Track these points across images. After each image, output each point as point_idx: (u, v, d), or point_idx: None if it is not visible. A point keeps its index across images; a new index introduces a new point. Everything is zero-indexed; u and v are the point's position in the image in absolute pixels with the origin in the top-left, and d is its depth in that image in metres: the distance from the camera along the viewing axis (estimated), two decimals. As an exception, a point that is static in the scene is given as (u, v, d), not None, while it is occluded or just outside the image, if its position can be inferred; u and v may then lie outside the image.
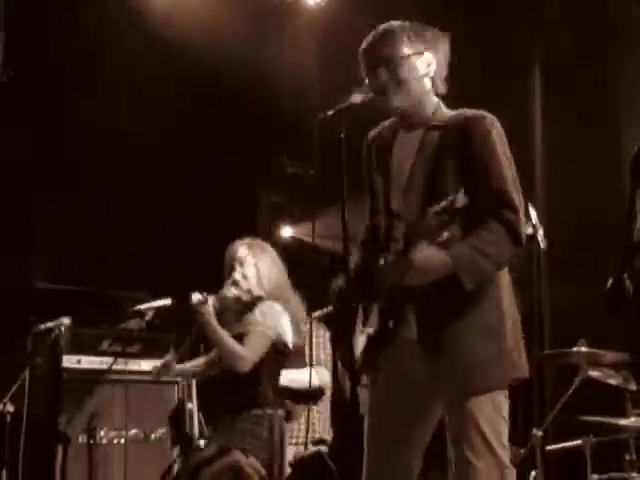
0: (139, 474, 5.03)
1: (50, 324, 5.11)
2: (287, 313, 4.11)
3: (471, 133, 2.66)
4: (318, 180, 3.24)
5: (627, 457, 4.37)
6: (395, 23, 2.84)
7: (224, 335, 3.97)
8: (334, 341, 4.96)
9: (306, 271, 5.86)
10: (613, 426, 4.27)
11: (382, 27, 2.85)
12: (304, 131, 6.38)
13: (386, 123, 2.94)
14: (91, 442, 4.91)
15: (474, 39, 5.58)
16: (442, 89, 2.86)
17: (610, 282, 2.17)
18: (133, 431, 5.13)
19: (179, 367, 4.40)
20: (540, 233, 4.24)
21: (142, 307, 4.53)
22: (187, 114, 6.27)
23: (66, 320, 5.15)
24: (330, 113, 2.92)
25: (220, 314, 4.06)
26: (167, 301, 4.75)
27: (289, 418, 3.44)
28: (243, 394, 3.99)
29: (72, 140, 6.09)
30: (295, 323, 4.15)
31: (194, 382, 5.48)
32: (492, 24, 5.78)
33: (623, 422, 4.26)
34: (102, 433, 4.98)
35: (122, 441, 5.07)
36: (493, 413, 2.61)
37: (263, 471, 3.87)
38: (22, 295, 5.80)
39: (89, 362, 5.18)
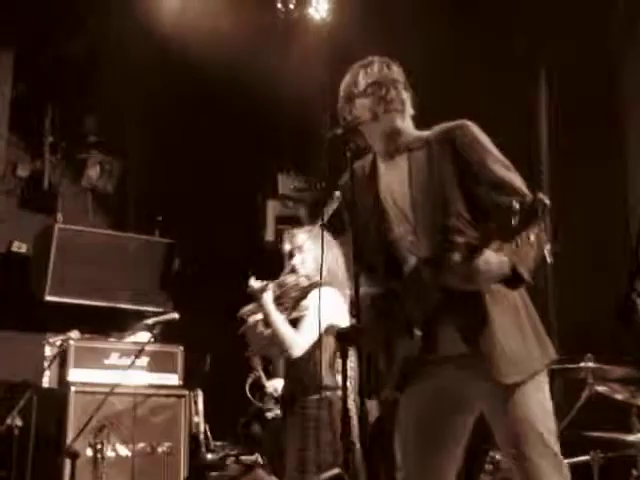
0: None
1: (59, 337, 5.13)
2: (343, 298, 4.11)
3: (457, 141, 2.73)
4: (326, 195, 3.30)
5: (634, 473, 4.36)
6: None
7: (280, 321, 4.02)
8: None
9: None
10: (620, 442, 4.26)
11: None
12: (309, 145, 6.49)
13: (355, 165, 2.94)
14: (98, 456, 4.92)
15: (477, 49, 5.62)
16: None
17: (620, 298, 2.19)
18: (140, 445, 5.13)
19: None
20: (547, 248, 4.25)
21: (150, 321, 4.57)
22: (191, 125, 6.31)
23: (74, 334, 5.18)
24: (339, 131, 2.97)
25: (279, 299, 4.10)
26: (174, 315, 4.78)
27: None
28: (303, 379, 4.04)
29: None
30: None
31: (200, 396, 5.52)
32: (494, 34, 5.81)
33: (630, 438, 4.26)
34: (109, 447, 4.98)
35: (129, 454, 5.08)
36: (542, 398, 2.74)
37: None
38: (32, 308, 5.83)
39: (97, 375, 5.21)
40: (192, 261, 6.39)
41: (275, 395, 4.58)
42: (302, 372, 4.03)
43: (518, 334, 2.72)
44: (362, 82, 2.92)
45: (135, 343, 5.28)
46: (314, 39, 6.07)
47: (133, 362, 4.82)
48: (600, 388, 4.27)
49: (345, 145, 2.98)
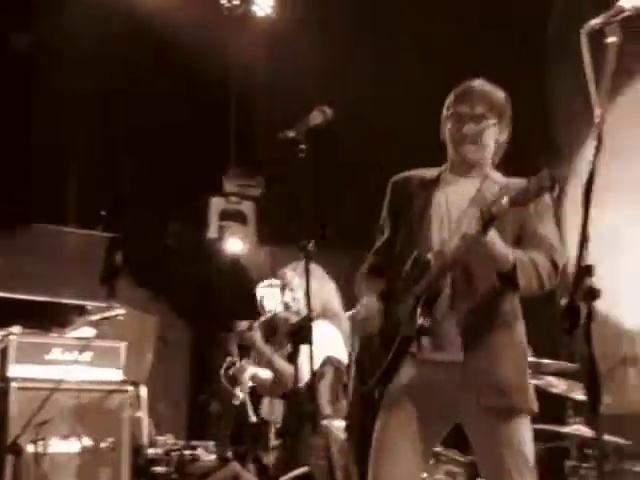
0: (90, 483, 5.03)
1: (-1, 333, 5.08)
2: (338, 330, 4.21)
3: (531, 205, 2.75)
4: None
5: (568, 463, 4.53)
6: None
7: (273, 356, 4.20)
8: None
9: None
10: (556, 434, 4.42)
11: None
12: (255, 142, 6.52)
13: (422, 172, 3.07)
14: (40, 452, 4.88)
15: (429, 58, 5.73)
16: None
17: (564, 301, 2.29)
18: (83, 440, 5.11)
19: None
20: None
21: (96, 317, 4.56)
22: (137, 120, 6.29)
23: (16, 329, 5.13)
24: (291, 134, 3.03)
25: (272, 335, 4.19)
26: (121, 310, 4.79)
27: None
28: (303, 409, 4.11)
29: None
30: (346, 338, 4.27)
31: (144, 391, 5.53)
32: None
33: (565, 430, 4.42)
34: (52, 443, 4.95)
35: (72, 450, 5.06)
36: (526, 433, 2.82)
37: None
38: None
39: (38, 371, 5.16)
40: (136, 256, 6.37)
41: (251, 383, 4.62)
42: (301, 402, 4.11)
43: (516, 366, 2.84)
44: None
45: (78, 338, 5.25)
46: (258, 36, 6.09)
47: (76, 357, 4.80)
48: (536, 382, 4.42)
49: (296, 146, 3.07)
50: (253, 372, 4.65)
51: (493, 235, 2.69)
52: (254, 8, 5.95)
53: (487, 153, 2.99)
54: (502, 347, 2.83)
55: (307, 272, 3.22)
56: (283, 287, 4.37)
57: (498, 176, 3.00)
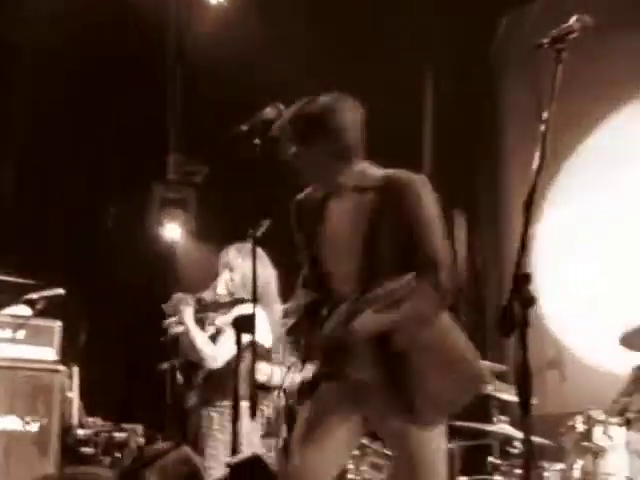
0: (17, 463, 5.00)
1: None
2: (268, 316, 4.30)
3: (404, 199, 2.82)
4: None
5: (491, 460, 4.70)
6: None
7: (197, 334, 4.28)
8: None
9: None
10: (481, 431, 4.58)
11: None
12: (197, 129, 6.52)
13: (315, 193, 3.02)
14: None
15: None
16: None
17: (502, 306, 2.40)
18: (12, 419, 5.09)
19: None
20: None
21: (34, 296, 4.54)
22: (81, 104, 6.25)
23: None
24: (244, 128, 3.10)
25: (202, 312, 4.29)
26: (59, 291, 4.78)
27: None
28: (218, 386, 4.27)
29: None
30: (273, 325, 4.36)
31: (76, 372, 5.52)
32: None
33: (490, 428, 4.58)
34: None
35: (1, 428, 5.03)
36: (440, 442, 2.88)
37: (205, 464, 4.14)
38: None
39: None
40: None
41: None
42: (217, 381, 4.19)
43: (437, 375, 2.83)
44: None
45: (13, 316, 5.21)
46: (209, 23, 6.10)
47: (10, 335, 4.78)
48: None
49: (249, 141, 3.15)
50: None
51: (359, 321, 2.78)
52: (207, -5, 5.96)
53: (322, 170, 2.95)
54: (411, 360, 2.84)
55: (254, 257, 3.31)
56: (224, 265, 4.42)
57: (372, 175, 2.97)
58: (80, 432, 5.37)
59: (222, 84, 6.01)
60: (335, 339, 2.85)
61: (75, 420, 5.34)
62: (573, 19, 2.47)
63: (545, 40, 2.46)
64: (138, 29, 6.07)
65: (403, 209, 2.82)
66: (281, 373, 4.83)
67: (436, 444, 2.87)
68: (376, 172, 2.93)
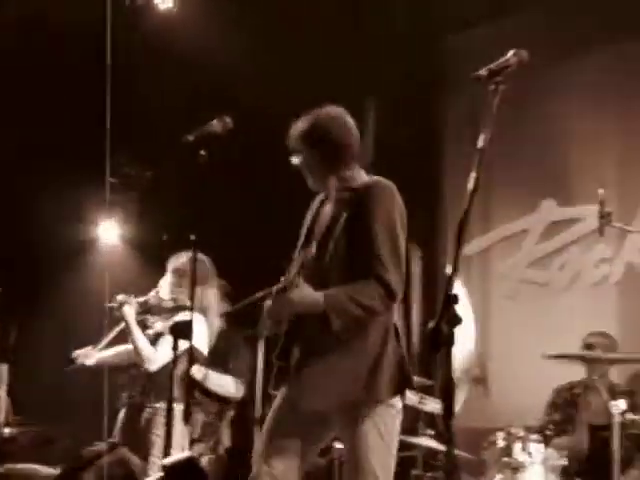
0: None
1: None
2: (205, 323, 4.42)
3: (370, 201, 3.05)
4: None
5: (414, 472, 4.83)
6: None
7: (138, 335, 4.34)
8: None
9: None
10: (407, 443, 4.69)
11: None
12: (142, 133, 6.53)
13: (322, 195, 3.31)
14: None
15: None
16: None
17: (431, 325, 2.51)
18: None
19: (100, 355, 4.58)
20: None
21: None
22: (20, 104, 6.21)
23: None
24: (191, 138, 3.21)
25: (144, 315, 4.39)
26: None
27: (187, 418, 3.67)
28: (153, 388, 4.34)
29: None
30: (211, 332, 4.51)
31: (5, 370, 5.48)
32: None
33: (415, 440, 4.71)
34: None
35: None
36: (381, 432, 3.00)
37: (142, 466, 4.19)
38: None
39: None
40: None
41: None
42: (153, 383, 4.24)
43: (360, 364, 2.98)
44: None
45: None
46: (159, 28, 6.13)
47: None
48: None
49: (195, 150, 3.25)
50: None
51: (297, 292, 2.97)
52: (156, 1, 5.99)
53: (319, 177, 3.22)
54: (337, 357, 3.00)
55: (194, 263, 3.42)
56: (175, 271, 4.52)
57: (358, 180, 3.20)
58: (6, 430, 5.35)
59: (167, 89, 6.08)
60: (275, 312, 3.04)
61: (2, 418, 5.31)
62: (510, 54, 2.56)
63: (483, 72, 2.54)
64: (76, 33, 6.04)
65: (368, 209, 3.03)
66: (235, 384, 4.96)
67: (372, 440, 2.97)
68: (363, 177, 3.19)
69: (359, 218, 3.04)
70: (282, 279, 3.14)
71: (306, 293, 2.98)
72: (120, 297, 4.38)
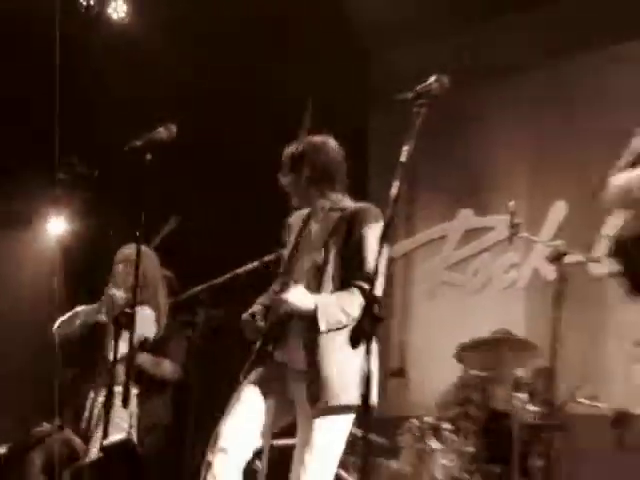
0: None
1: None
2: (153, 311, 4.65)
3: (357, 225, 3.47)
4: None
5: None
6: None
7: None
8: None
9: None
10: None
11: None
12: (92, 133, 6.66)
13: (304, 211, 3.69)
14: None
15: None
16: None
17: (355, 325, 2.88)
18: None
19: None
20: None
21: None
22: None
23: None
24: (138, 143, 3.48)
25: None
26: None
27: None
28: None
29: None
30: (158, 320, 4.69)
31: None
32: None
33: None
34: None
35: None
36: (338, 436, 3.44)
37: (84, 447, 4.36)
38: None
39: None
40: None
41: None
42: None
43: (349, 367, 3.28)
44: None
45: None
46: (111, 35, 6.32)
47: None
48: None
49: (141, 155, 3.49)
50: None
51: (292, 295, 3.34)
52: (109, 10, 6.20)
53: (306, 198, 3.64)
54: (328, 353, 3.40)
55: (138, 257, 3.59)
56: (122, 260, 4.69)
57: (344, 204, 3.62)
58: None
59: (118, 95, 6.28)
60: (275, 312, 3.42)
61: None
62: (432, 79, 2.80)
63: (409, 95, 2.81)
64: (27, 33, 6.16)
65: (355, 231, 3.45)
66: (172, 367, 5.22)
67: (335, 435, 3.42)
68: (349, 202, 3.61)
69: (351, 237, 3.44)
70: (275, 282, 3.58)
71: (302, 296, 3.35)
72: (111, 291, 4.50)
